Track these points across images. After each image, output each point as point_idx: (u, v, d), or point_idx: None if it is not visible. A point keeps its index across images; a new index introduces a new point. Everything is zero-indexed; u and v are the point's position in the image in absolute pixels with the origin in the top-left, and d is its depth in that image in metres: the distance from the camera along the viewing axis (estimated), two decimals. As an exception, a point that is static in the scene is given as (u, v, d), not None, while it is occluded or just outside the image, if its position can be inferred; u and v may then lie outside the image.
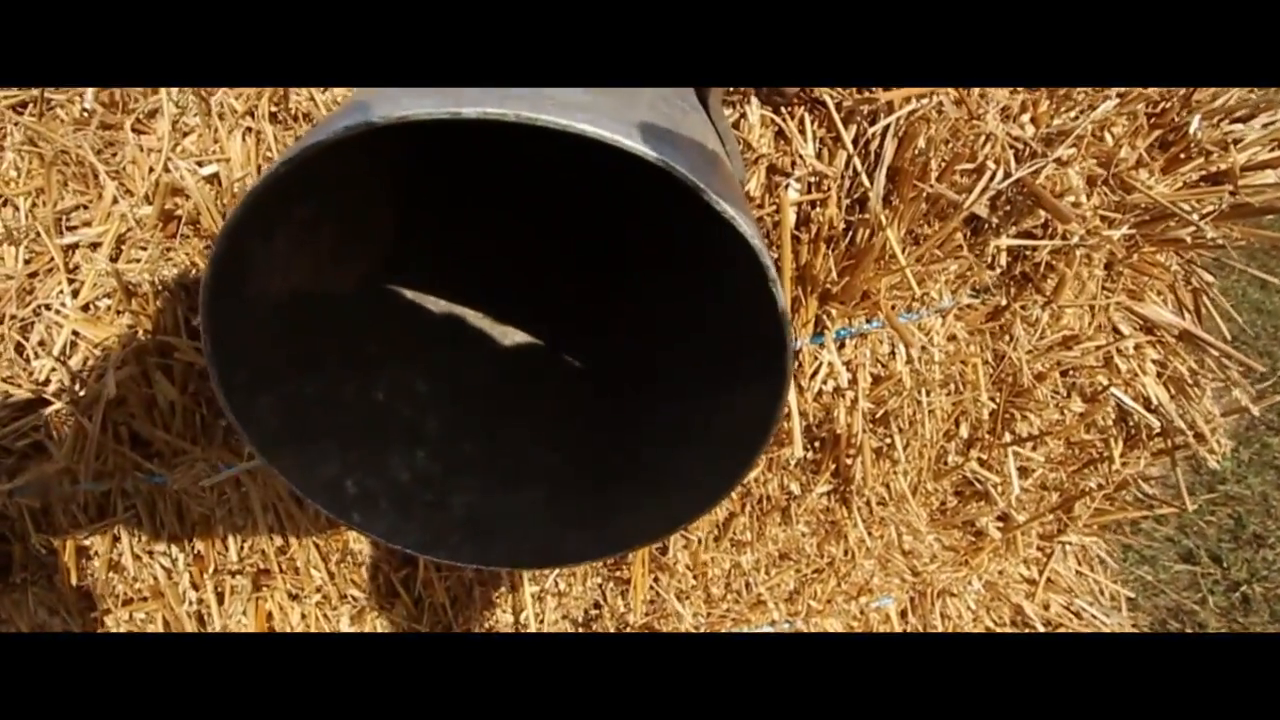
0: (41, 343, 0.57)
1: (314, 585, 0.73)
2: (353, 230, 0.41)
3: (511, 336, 0.52)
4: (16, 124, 0.66)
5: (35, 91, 0.70)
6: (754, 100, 0.52)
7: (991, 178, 0.55)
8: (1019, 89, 0.60)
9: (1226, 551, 1.42)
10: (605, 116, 0.23)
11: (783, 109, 0.53)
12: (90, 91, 0.67)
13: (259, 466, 0.63)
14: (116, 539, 0.68)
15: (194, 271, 0.55)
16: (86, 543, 0.67)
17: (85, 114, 0.65)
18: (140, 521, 0.67)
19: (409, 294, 0.49)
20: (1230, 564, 1.40)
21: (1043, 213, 0.59)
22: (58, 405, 0.56)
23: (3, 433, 0.57)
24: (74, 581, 0.68)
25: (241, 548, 0.69)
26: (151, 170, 0.59)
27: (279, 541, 0.71)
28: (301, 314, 0.37)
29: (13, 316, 0.58)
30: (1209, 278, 0.78)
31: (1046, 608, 1.03)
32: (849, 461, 0.73)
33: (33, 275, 0.59)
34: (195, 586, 0.70)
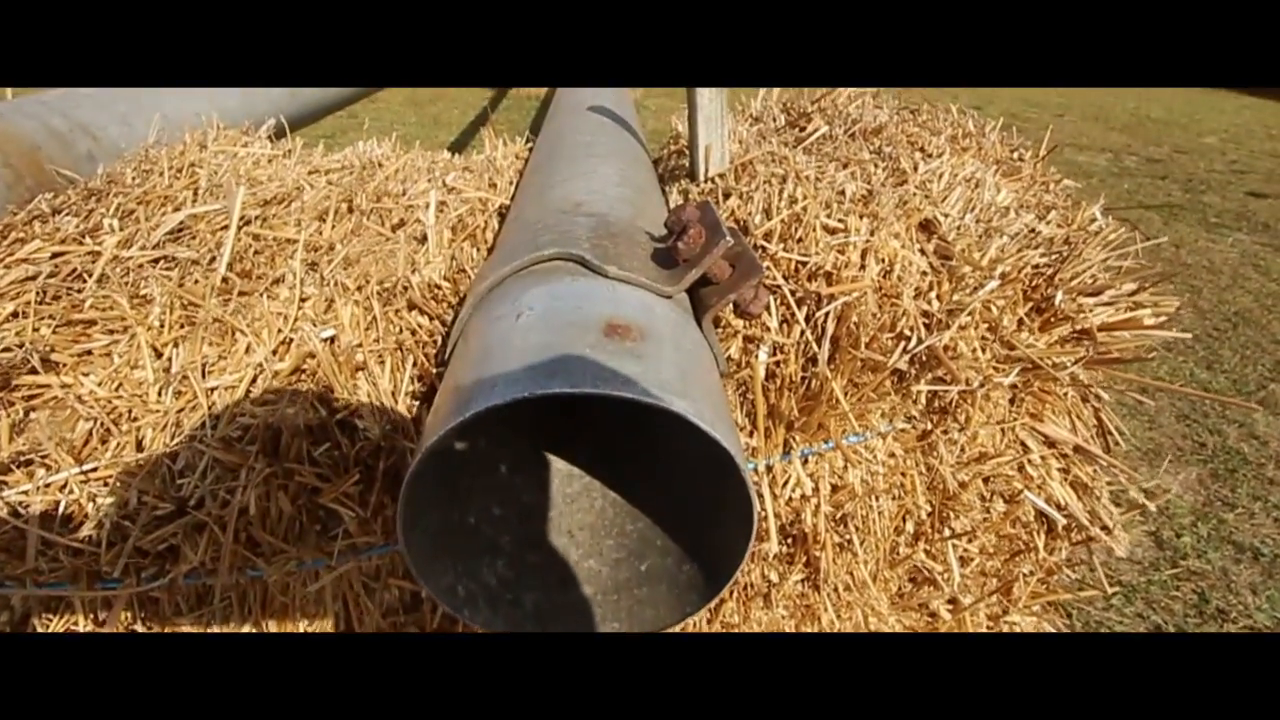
0: (187, 465, 0.73)
1: (372, 662, 0.86)
2: None
3: (556, 465, 0.69)
4: (161, 284, 0.85)
5: (179, 256, 0.90)
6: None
7: (908, 342, 0.75)
8: (928, 271, 0.81)
9: (1193, 627, 1.52)
10: (647, 385, 0.42)
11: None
12: (224, 262, 0.87)
13: (341, 564, 0.79)
14: (209, 624, 0.82)
15: (313, 413, 0.72)
16: (185, 628, 0.81)
17: (224, 282, 0.84)
18: (232, 610, 0.81)
19: (484, 439, 0.67)
20: (1196, 640, 1.51)
21: (951, 364, 0.79)
22: (196, 516, 0.72)
23: (147, 539, 0.72)
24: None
25: (310, 633, 0.83)
26: (280, 331, 0.77)
27: (341, 626, 0.85)
28: (429, 468, 0.54)
29: (165, 444, 0.74)
30: (1105, 395, 0.98)
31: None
32: (817, 554, 0.89)
33: (179, 411, 0.76)
34: (273, 664, 0.84)
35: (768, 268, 0.73)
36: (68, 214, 1.00)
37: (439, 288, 0.76)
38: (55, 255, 0.91)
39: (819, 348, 0.73)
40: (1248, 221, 3.39)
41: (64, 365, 0.82)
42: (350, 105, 2.52)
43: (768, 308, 0.71)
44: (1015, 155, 1.02)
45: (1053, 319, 0.82)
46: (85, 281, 0.89)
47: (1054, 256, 0.82)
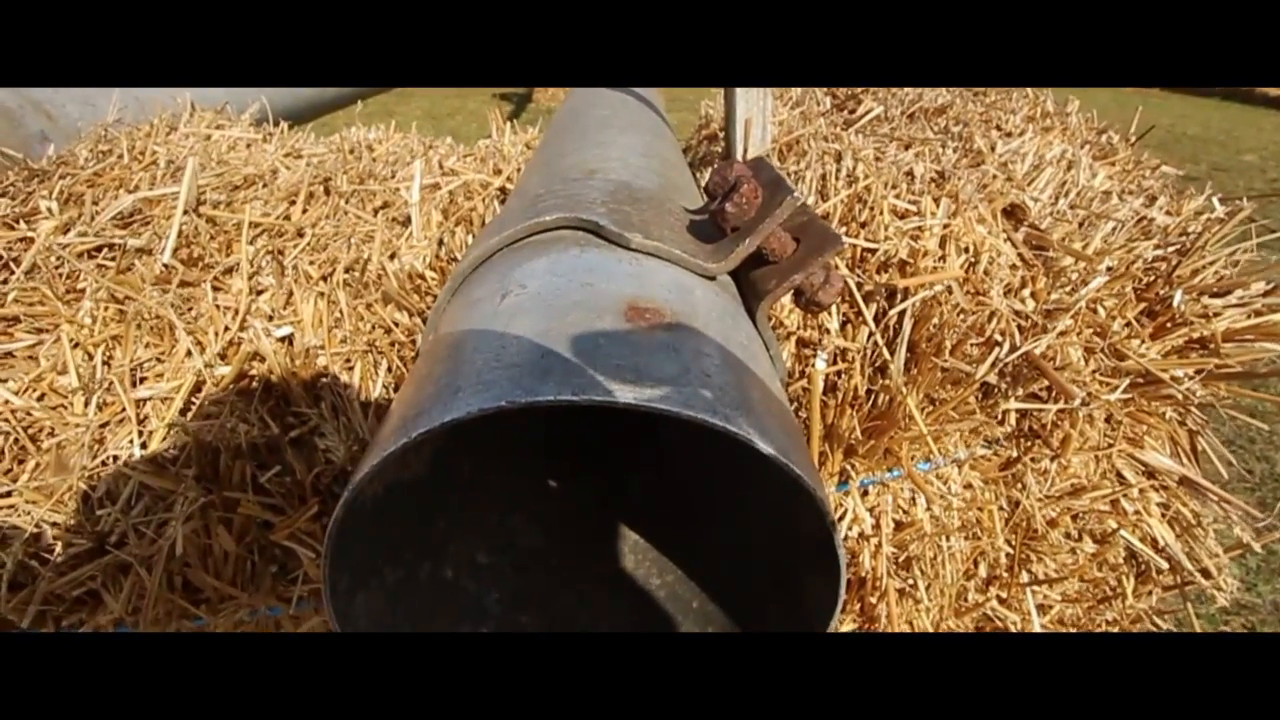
0: (109, 493, 0.59)
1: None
2: None
3: (562, 498, 0.55)
4: (98, 280, 0.71)
5: (116, 242, 0.77)
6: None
7: (1000, 350, 0.61)
8: (1018, 265, 0.67)
9: (1244, 666, 1.40)
10: (690, 394, 0.27)
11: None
12: (170, 248, 0.73)
13: (303, 611, 0.64)
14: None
15: (260, 429, 0.58)
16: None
17: (165, 270, 0.70)
18: (172, 664, 0.67)
19: (469, 465, 0.52)
20: (1249, 682, 1.38)
21: (1047, 377, 0.65)
22: (118, 556, 0.58)
23: (60, 582, 0.58)
24: None
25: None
26: (226, 329, 0.64)
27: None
28: (387, 506, 0.40)
29: (83, 467, 0.60)
30: (1202, 417, 0.83)
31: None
32: (873, 601, 0.74)
33: (104, 425, 0.63)
34: (218, 731, 0.69)
35: (831, 254, 0.59)
36: (1, 195, 0.87)
37: (421, 278, 0.63)
38: (-21, 240, 0.78)
39: (891, 355, 0.59)
40: (1294, 240, 3.23)
41: (-22, 368, 0.69)
42: (354, 103, 2.39)
43: (840, 298, 0.57)
44: (1104, 138, 0.88)
45: (1169, 324, 0.68)
46: (13, 271, 0.76)
47: (1170, 249, 0.68)
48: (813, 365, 0.58)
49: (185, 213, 0.78)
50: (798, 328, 0.59)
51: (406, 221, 0.70)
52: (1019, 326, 0.62)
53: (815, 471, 0.32)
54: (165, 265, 0.70)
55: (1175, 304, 0.66)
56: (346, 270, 0.64)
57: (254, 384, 0.61)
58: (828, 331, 0.60)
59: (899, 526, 0.70)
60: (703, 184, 0.83)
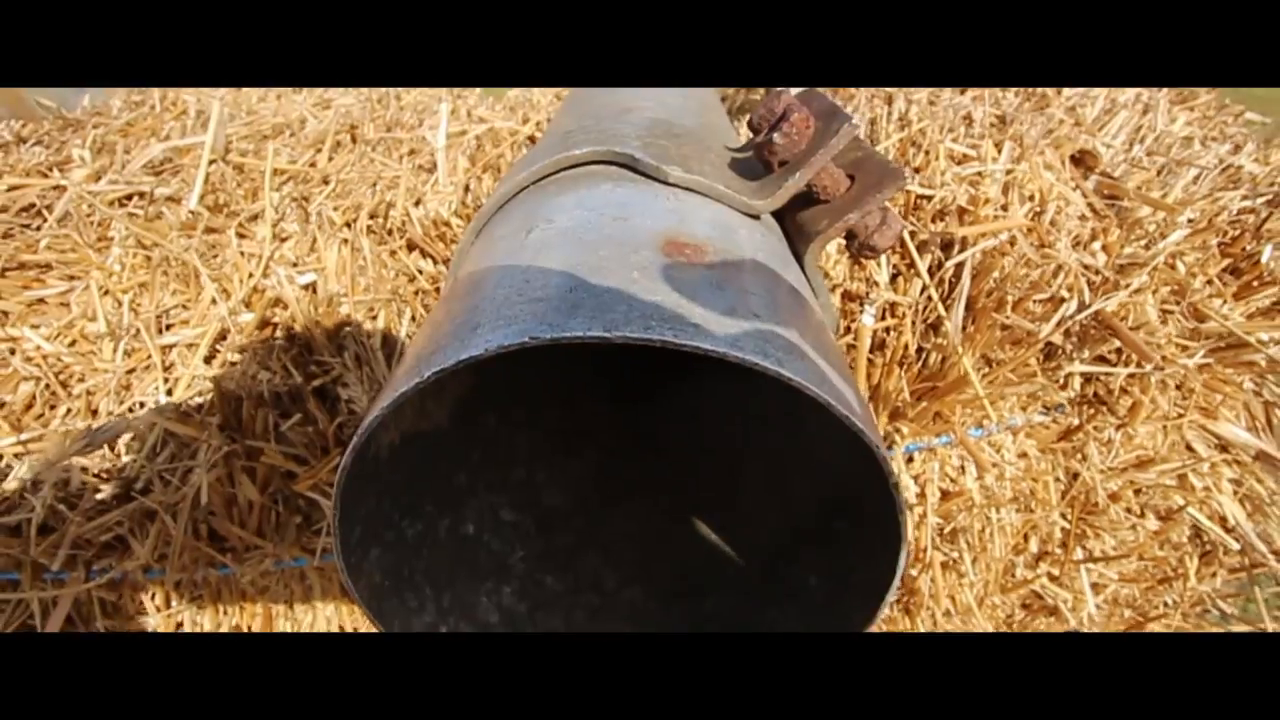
0: (133, 440, 0.59)
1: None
2: None
3: (589, 453, 0.52)
4: (127, 227, 0.71)
5: (145, 189, 0.76)
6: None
7: (1067, 307, 0.56)
8: (1088, 215, 0.61)
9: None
10: (738, 332, 0.24)
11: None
12: (196, 194, 0.72)
13: (328, 563, 0.64)
14: (179, 625, 0.68)
15: (285, 380, 0.57)
16: (151, 628, 0.67)
17: (191, 216, 0.69)
18: (204, 611, 0.68)
19: (493, 418, 0.50)
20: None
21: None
22: (144, 502, 0.57)
23: (88, 527, 0.59)
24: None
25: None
26: (250, 275, 0.62)
27: (335, 631, 0.70)
28: (404, 456, 0.38)
29: (110, 413, 0.60)
30: None
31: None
32: (915, 574, 0.71)
33: (130, 371, 0.62)
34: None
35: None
36: (36, 144, 0.87)
37: (447, 225, 0.60)
38: (13, 188, 0.78)
39: (946, 310, 0.54)
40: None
41: (11, 315, 0.69)
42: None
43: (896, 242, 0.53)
44: (1181, 79, 0.80)
45: (1255, 282, 0.62)
46: (45, 219, 0.76)
47: (1259, 200, 0.61)
48: (859, 320, 0.54)
49: (213, 160, 0.77)
50: (844, 279, 0.55)
51: (432, 168, 0.67)
52: (1088, 282, 0.57)
53: (876, 428, 0.28)
54: (192, 212, 0.69)
55: (1264, 260, 0.60)
56: (371, 217, 0.61)
57: (277, 332, 0.59)
58: (876, 284, 0.55)
59: (945, 496, 0.66)
60: (740, 132, 0.78)
